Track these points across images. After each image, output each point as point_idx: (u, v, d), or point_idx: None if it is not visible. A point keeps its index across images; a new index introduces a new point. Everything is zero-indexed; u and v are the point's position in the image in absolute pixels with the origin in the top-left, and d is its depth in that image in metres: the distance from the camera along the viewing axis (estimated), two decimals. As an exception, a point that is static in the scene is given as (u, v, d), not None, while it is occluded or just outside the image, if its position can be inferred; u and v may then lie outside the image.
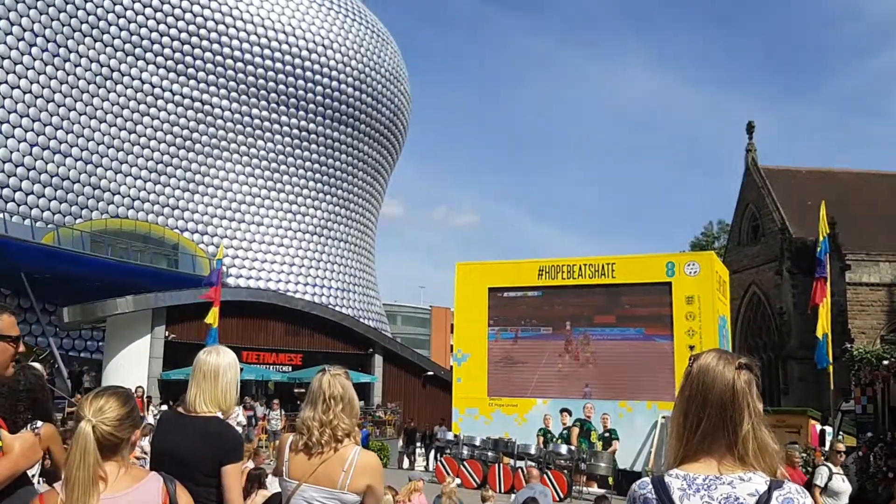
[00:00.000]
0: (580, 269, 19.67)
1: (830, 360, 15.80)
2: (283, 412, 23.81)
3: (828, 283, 16.17)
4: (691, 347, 16.44)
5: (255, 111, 43.84)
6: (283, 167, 45.44)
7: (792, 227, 28.30)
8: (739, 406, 1.91)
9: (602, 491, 13.13)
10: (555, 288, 19.71)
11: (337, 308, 40.69)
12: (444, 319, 74.66)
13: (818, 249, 16.14)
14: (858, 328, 26.43)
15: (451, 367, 24.52)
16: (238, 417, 22.95)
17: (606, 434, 17.62)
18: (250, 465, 9.06)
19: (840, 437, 16.42)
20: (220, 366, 3.29)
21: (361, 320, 40.43)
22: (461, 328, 20.83)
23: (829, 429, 17.38)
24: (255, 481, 6.63)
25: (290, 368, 31.54)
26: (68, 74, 36.11)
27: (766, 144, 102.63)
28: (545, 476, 14.34)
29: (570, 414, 18.24)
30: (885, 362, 13.60)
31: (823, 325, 15.70)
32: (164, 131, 40.72)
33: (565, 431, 17.91)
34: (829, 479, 9.69)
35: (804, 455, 14.84)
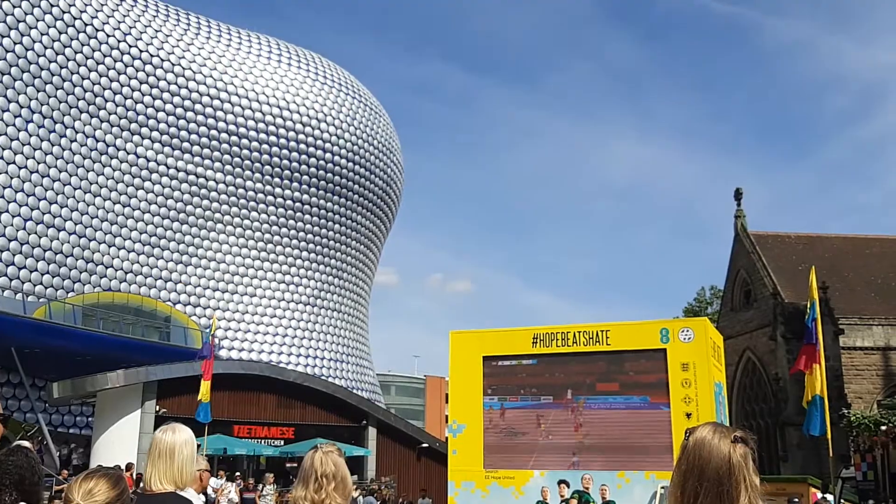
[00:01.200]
0: (575, 336, 19.56)
1: (828, 426, 15.66)
2: (276, 487, 23.31)
3: (821, 348, 16.16)
4: (688, 415, 16.26)
5: (248, 183, 44.27)
6: (276, 238, 45.63)
7: (784, 292, 28.43)
8: (736, 480, 1.92)
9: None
10: (550, 355, 19.62)
11: (330, 379, 40.30)
12: (439, 389, 73.97)
13: (807, 315, 16.19)
14: (855, 393, 26.31)
15: (447, 438, 24.19)
16: (230, 494, 22.49)
17: (605, 506, 17.28)
18: None
19: (842, 503, 16.18)
20: (175, 443, 3.32)
21: (355, 391, 39.99)
22: (456, 398, 20.63)
23: (830, 497, 17.12)
24: None
25: (283, 442, 31.00)
26: (63, 149, 36.54)
27: (755, 211, 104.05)
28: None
29: (569, 486, 17.90)
30: (883, 427, 13.56)
31: (814, 390, 15.62)
32: (157, 204, 41.00)
33: (564, 503, 17.55)
34: None
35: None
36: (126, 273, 38.84)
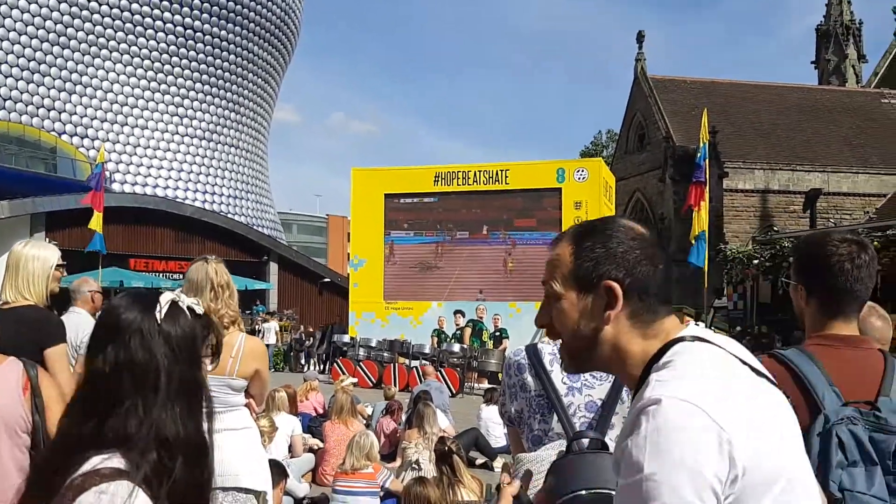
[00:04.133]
0: (475, 175, 19.94)
1: (706, 261, 16.86)
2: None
3: (706, 189, 17.07)
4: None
5: (134, 6, 41.10)
6: (167, 67, 43.13)
7: (676, 136, 29.39)
8: None
9: (492, 386, 13.80)
10: (451, 194, 19.96)
11: (229, 216, 39.80)
12: (342, 228, 74.28)
13: (698, 155, 16.92)
14: (733, 232, 28.08)
15: (349, 273, 24.68)
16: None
17: (497, 333, 18.34)
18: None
19: (713, 331, 17.75)
20: (22, 255, 3.20)
21: (255, 228, 39.77)
22: (357, 234, 20.90)
23: (702, 324, 18.71)
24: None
25: (181, 276, 30.88)
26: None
27: (656, 56, 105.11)
28: (439, 373, 14.91)
29: (464, 315, 18.83)
30: (755, 262, 14.72)
31: (700, 227, 16.62)
32: (35, 26, 37.71)
33: (458, 332, 18.52)
34: None
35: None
36: (4, 100, 36.20)
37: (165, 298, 1.44)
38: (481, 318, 18.73)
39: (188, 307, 1.45)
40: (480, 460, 8.55)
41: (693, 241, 16.81)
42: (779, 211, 28.83)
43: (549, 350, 2.06)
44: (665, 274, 1.33)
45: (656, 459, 1.09)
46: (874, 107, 32.30)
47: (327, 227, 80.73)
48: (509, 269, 18.85)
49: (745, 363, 1.26)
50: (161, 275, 30.48)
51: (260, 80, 49.32)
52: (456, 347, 16.84)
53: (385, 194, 20.05)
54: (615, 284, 1.29)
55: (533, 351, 2.07)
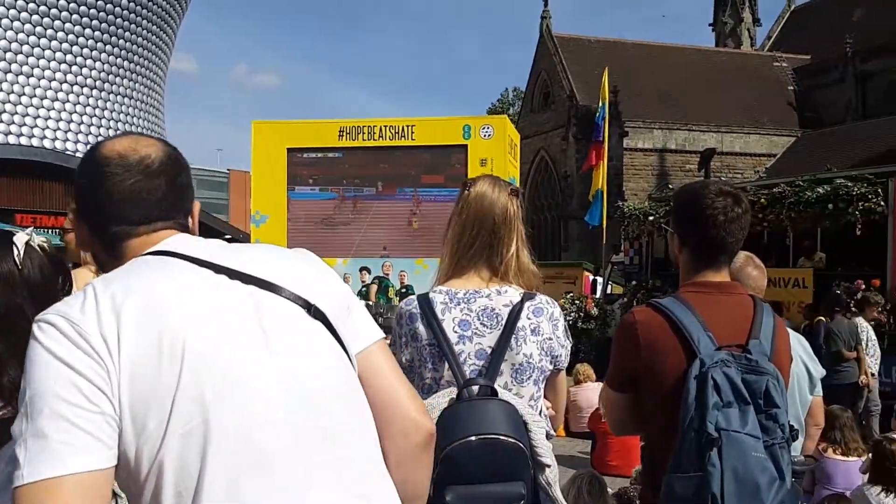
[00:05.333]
0: (381, 130, 19.66)
1: (604, 218, 17.35)
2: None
3: (605, 148, 17.48)
4: (484, 207, 17.32)
5: (14, -57, 38.31)
6: (53, 12, 40.54)
7: (579, 95, 29.87)
8: (510, 229, 2.14)
9: (398, 341, 13.90)
10: (356, 149, 19.72)
11: (124, 169, 38.01)
12: (244, 183, 72.37)
13: (597, 115, 17.27)
14: (632, 190, 28.92)
15: (251, 230, 24.14)
16: None
17: (403, 290, 18.39)
18: None
19: (609, 285, 18.34)
20: None
21: (152, 182, 38.17)
22: (259, 189, 20.37)
23: (599, 279, 19.32)
24: None
25: (74, 233, 29.52)
26: None
27: (563, 14, 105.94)
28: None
29: (370, 272, 18.76)
30: (651, 218, 15.20)
31: (598, 186, 17.05)
32: None
33: (364, 289, 18.48)
34: None
35: (577, 301, 16.47)
36: None
37: (20, 240, 1.38)
38: (387, 274, 18.69)
39: (39, 246, 1.40)
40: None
41: (591, 200, 17.26)
42: (675, 170, 29.83)
43: (442, 299, 2.07)
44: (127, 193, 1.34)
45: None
46: (766, 70, 33.64)
47: (228, 183, 78.59)
48: (415, 226, 18.86)
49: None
50: (51, 231, 29.02)
51: (155, 27, 47.06)
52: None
53: (287, 149, 19.53)
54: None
55: (425, 300, 2.07)
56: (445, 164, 19.96)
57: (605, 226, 17.57)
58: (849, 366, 9.45)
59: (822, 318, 9.28)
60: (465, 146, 20.48)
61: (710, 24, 39.37)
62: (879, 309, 9.34)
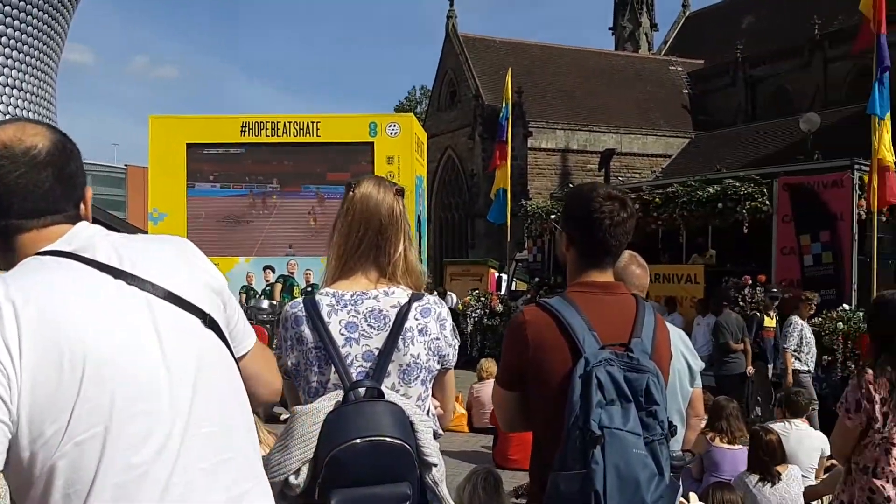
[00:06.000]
0: (285, 126, 19.41)
1: (508, 216, 17.62)
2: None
3: (508, 148, 17.75)
4: (389, 205, 17.29)
5: None
6: (-70, -5, 38.05)
7: (485, 94, 30.20)
8: (397, 229, 2.14)
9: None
10: (260, 145, 19.32)
11: (11, 164, 36.07)
12: (143, 180, 69.83)
13: (500, 115, 17.52)
14: (536, 189, 29.45)
15: (149, 228, 23.29)
16: None
17: (309, 289, 18.17)
18: None
19: (514, 282, 18.64)
20: None
21: (42, 178, 36.37)
22: (157, 186, 19.75)
23: (505, 276, 19.62)
24: None
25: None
26: None
27: (469, 14, 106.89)
28: (247, 330, 14.56)
29: (274, 271, 18.47)
30: (553, 216, 15.53)
31: (501, 185, 17.30)
32: None
33: (268, 288, 18.15)
34: None
35: (483, 298, 16.64)
36: None
37: None
38: (292, 273, 18.46)
39: None
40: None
41: (493, 197, 17.51)
42: (577, 169, 30.57)
43: (328, 301, 2.05)
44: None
45: None
46: (663, 73, 34.90)
47: (126, 179, 75.74)
48: (313, 223, 18.60)
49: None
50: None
51: (46, 15, 44.80)
52: (265, 303, 16.49)
53: (187, 144, 19.03)
54: None
55: (311, 303, 2.05)
56: (352, 162, 19.83)
57: (509, 224, 17.85)
58: (736, 357, 9.92)
59: (757, 314, 9.47)
60: (372, 144, 20.43)
61: (610, 28, 40.55)
62: (812, 307, 9.56)
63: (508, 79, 18.15)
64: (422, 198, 21.84)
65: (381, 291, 2.07)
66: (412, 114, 26.27)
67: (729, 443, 5.55)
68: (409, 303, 2.05)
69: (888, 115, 10.25)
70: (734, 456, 5.43)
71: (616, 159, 30.61)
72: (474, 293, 17.13)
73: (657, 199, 13.17)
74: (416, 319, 2.04)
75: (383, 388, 1.93)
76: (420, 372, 2.03)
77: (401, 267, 2.11)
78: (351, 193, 2.14)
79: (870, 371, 3.22)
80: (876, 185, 9.97)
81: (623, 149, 30.80)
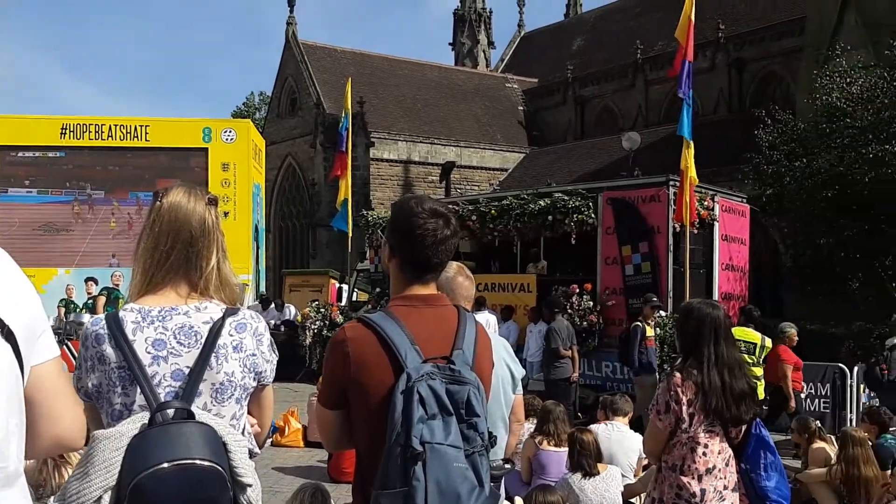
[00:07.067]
0: (110, 129, 18.38)
1: (350, 226, 17.55)
2: None
3: (349, 158, 17.72)
4: (225, 214, 16.74)
5: None
6: None
7: (326, 103, 29.94)
8: (209, 241, 2.04)
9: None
10: (82, 149, 18.15)
11: None
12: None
13: (340, 125, 17.45)
14: (379, 199, 29.52)
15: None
16: None
17: (136, 301, 17.22)
18: None
19: (355, 293, 18.56)
20: None
21: None
22: (-36, 190, 18.11)
23: (345, 286, 19.49)
24: None
25: None
26: None
27: (311, 22, 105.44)
28: (66, 347, 13.56)
29: (97, 283, 17.35)
30: (380, 228, 15.64)
31: (344, 195, 17.25)
32: None
33: (90, 301, 17.02)
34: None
35: (323, 310, 16.46)
36: None
37: None
38: (117, 285, 17.41)
39: None
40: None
41: (339, 208, 17.41)
42: (419, 180, 30.97)
43: (133, 318, 1.93)
44: None
45: None
46: (500, 90, 36.12)
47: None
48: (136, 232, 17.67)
49: None
50: None
51: None
52: (86, 318, 15.42)
53: (0, 146, 17.59)
54: None
55: (114, 319, 1.92)
56: (184, 168, 19.07)
57: (350, 234, 17.78)
58: (565, 362, 10.39)
59: (638, 324, 9.91)
60: (206, 149, 19.75)
61: (450, 44, 41.49)
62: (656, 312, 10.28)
63: (349, 88, 18.12)
64: (259, 206, 21.35)
65: (192, 307, 1.97)
66: (250, 120, 25.63)
67: (556, 445, 5.77)
68: (223, 318, 1.96)
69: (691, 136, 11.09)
70: (560, 458, 5.65)
71: (456, 172, 31.31)
72: (314, 304, 16.89)
73: (493, 211, 13.60)
74: (231, 335, 1.96)
75: (194, 408, 1.85)
76: (234, 390, 1.95)
77: (214, 281, 2.02)
78: (158, 203, 2.03)
79: (678, 374, 3.45)
80: (688, 200, 10.79)
81: (463, 161, 31.57)
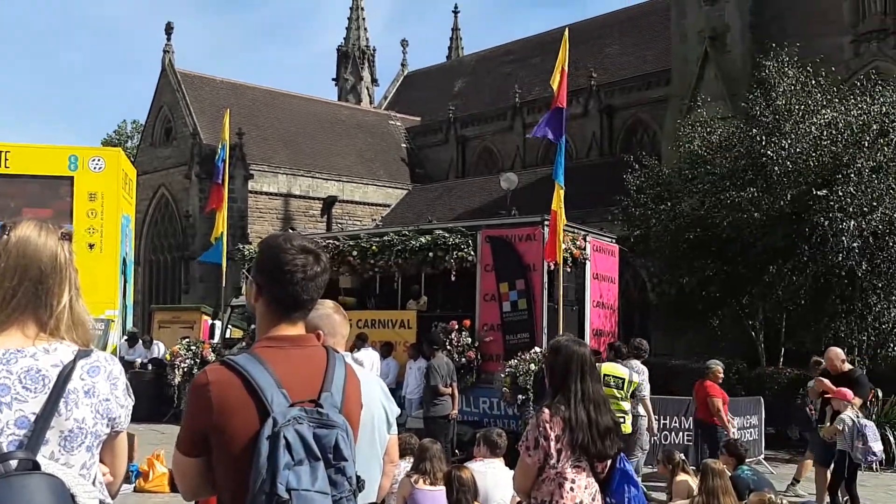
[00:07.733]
0: (-35, 154, 17.13)
1: (224, 260, 17.06)
2: None
3: (225, 189, 17.29)
4: (91, 246, 15.92)
5: None
6: None
7: (203, 134, 29.18)
8: (61, 278, 1.92)
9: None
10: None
11: None
12: None
13: (217, 157, 17.04)
14: (256, 233, 28.87)
15: None
16: None
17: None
18: None
19: (229, 329, 17.98)
20: None
21: None
22: None
23: (218, 323, 18.85)
24: None
25: None
26: None
27: (189, 51, 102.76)
28: None
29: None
30: (245, 266, 15.34)
31: (221, 229, 16.78)
32: None
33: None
34: None
35: (194, 347, 15.84)
36: None
37: None
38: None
39: None
40: None
41: (213, 242, 16.90)
42: (300, 214, 30.58)
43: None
44: None
45: None
46: (383, 127, 36.36)
47: None
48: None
49: None
50: None
51: None
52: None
53: None
54: None
55: None
56: (51, 198, 17.99)
57: (225, 268, 17.27)
58: (444, 399, 10.42)
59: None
60: (72, 178, 18.74)
61: (333, 79, 41.46)
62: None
63: (227, 119, 17.74)
64: (128, 238, 20.38)
65: (40, 349, 1.85)
66: (119, 149, 24.61)
67: (431, 484, 5.74)
68: (75, 361, 1.85)
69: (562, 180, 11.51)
70: (435, 497, 5.62)
71: (338, 206, 31.14)
72: (184, 341, 16.24)
73: (374, 247, 13.58)
74: (83, 379, 1.85)
75: (40, 457, 1.73)
76: (85, 438, 1.84)
77: (66, 320, 1.90)
78: (5, 237, 1.90)
79: (546, 410, 3.52)
80: (560, 239, 11.15)
81: (345, 196, 31.46)
